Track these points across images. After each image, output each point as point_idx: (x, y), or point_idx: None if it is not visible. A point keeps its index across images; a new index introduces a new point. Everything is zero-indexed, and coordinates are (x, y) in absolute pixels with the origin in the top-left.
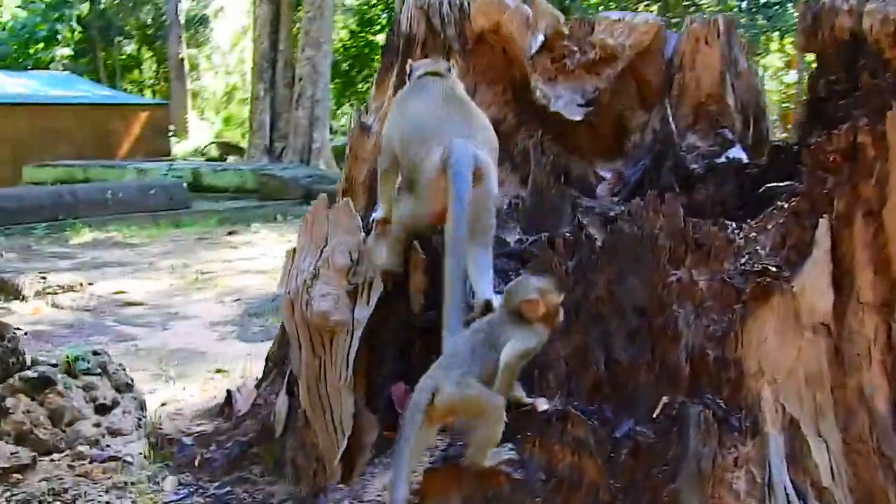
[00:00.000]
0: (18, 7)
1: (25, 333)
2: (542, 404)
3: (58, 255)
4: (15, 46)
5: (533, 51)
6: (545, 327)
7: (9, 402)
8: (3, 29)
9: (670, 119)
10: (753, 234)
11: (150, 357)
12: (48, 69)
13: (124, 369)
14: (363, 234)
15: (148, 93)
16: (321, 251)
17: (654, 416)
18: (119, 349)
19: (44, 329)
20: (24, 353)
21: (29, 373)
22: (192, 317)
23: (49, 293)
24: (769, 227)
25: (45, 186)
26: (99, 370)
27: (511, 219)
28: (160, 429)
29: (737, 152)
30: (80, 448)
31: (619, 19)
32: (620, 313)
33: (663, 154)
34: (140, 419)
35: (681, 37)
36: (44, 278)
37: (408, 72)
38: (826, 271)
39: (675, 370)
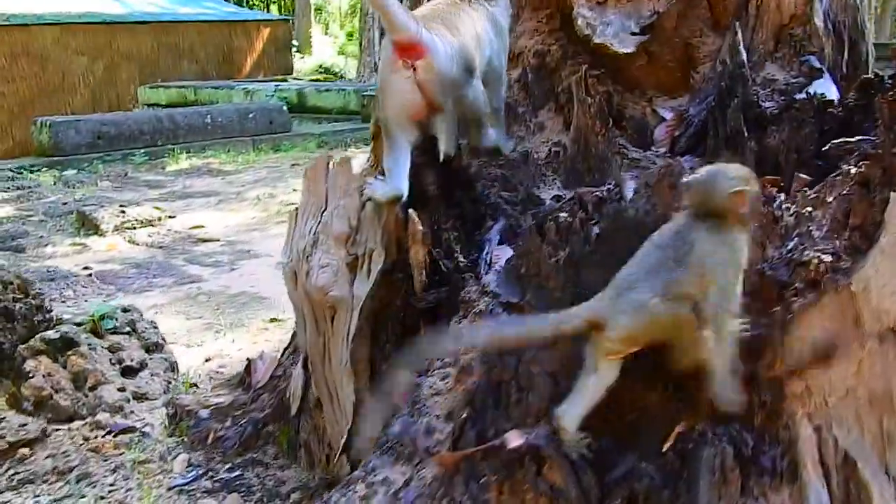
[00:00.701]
0: None
1: (90, 274)
2: (514, 439)
3: (150, 184)
4: None
5: None
6: (743, 231)
7: (28, 364)
8: None
9: (741, 46)
10: (808, 208)
11: (210, 303)
12: None
13: (155, 327)
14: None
15: (274, 8)
16: (322, 215)
17: (664, 449)
18: (181, 293)
19: (113, 268)
20: (51, 311)
21: (51, 333)
22: (264, 255)
23: (127, 228)
24: (830, 199)
25: (145, 111)
26: (128, 329)
27: (550, 170)
28: (178, 399)
29: (824, 85)
30: (100, 416)
31: None
32: None
33: (731, 90)
34: (169, 382)
35: None
36: (123, 212)
37: None
38: None
39: (694, 390)
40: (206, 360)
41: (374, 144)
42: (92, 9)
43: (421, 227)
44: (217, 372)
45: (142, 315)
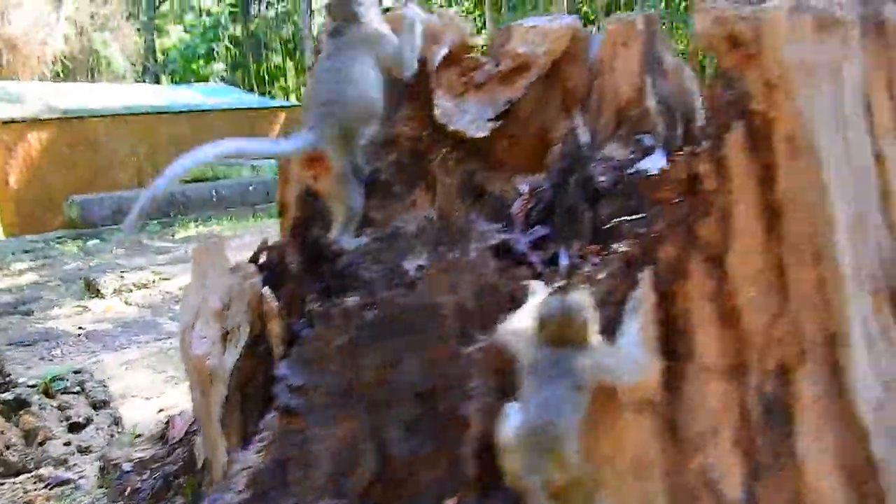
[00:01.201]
0: (184, 31)
1: (79, 334)
2: None
3: (158, 251)
4: (181, 63)
5: (434, 65)
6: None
7: None
8: (172, 49)
9: (579, 129)
10: (582, 286)
11: (177, 357)
12: (207, 81)
13: (104, 386)
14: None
15: (293, 97)
16: (203, 290)
17: None
18: (155, 348)
19: (104, 327)
20: (10, 374)
21: (6, 395)
22: None
23: (125, 291)
24: (599, 277)
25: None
26: (77, 388)
27: (419, 243)
28: (108, 453)
29: (653, 160)
30: (43, 470)
31: (534, 26)
32: (398, 398)
33: (571, 168)
34: (112, 435)
35: (601, 40)
36: (122, 276)
37: None
38: (649, 335)
39: (463, 465)
40: (160, 411)
41: (281, 220)
42: (138, 101)
43: (275, 303)
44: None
45: (92, 376)
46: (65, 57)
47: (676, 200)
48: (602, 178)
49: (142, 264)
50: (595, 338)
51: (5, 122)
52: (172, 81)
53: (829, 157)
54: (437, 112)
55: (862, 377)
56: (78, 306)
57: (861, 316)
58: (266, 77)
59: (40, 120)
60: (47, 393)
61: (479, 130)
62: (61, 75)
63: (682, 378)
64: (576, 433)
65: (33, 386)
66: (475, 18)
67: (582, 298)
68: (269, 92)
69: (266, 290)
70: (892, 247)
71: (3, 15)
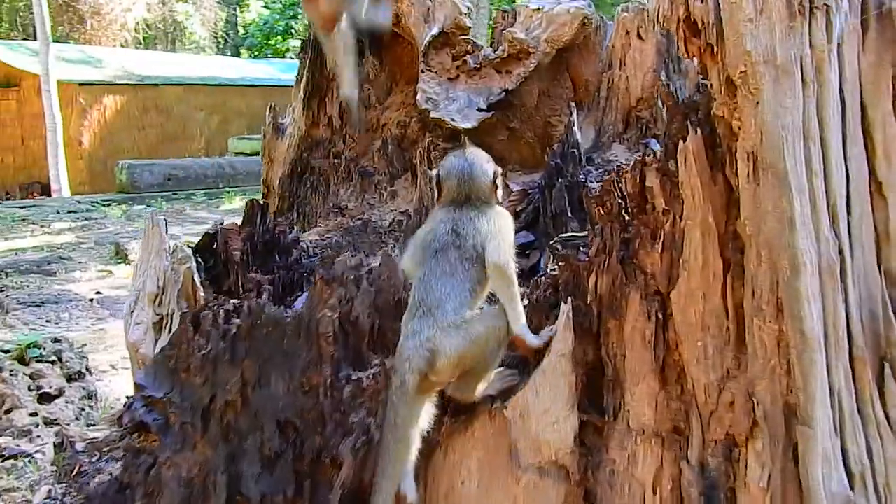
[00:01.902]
0: (263, 6)
1: (91, 300)
2: None
3: (199, 220)
4: (259, 39)
5: (422, 45)
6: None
7: None
8: (252, 25)
9: (575, 126)
10: None
11: None
12: (284, 58)
13: (83, 357)
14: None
15: None
16: (145, 272)
17: None
18: None
19: (119, 294)
20: None
21: None
22: None
23: None
24: (525, 302)
25: (211, 158)
26: (53, 358)
27: (392, 238)
28: (66, 430)
29: None
30: (1, 439)
31: (538, 8)
32: (259, 426)
33: (560, 169)
34: (83, 409)
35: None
36: None
37: None
38: (564, 384)
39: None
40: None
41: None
42: (211, 73)
43: (201, 293)
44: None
45: (71, 346)
46: (147, 25)
47: (617, 219)
48: (594, 184)
49: (176, 233)
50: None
51: (82, 84)
52: (251, 56)
53: (800, 181)
54: (419, 97)
55: (824, 464)
56: (102, 270)
57: (829, 387)
58: None
59: (116, 84)
60: (21, 360)
61: (467, 120)
62: (142, 43)
63: (606, 438)
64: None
65: (7, 352)
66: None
67: (485, 157)
68: None
69: (197, 278)
70: (884, 300)
71: None
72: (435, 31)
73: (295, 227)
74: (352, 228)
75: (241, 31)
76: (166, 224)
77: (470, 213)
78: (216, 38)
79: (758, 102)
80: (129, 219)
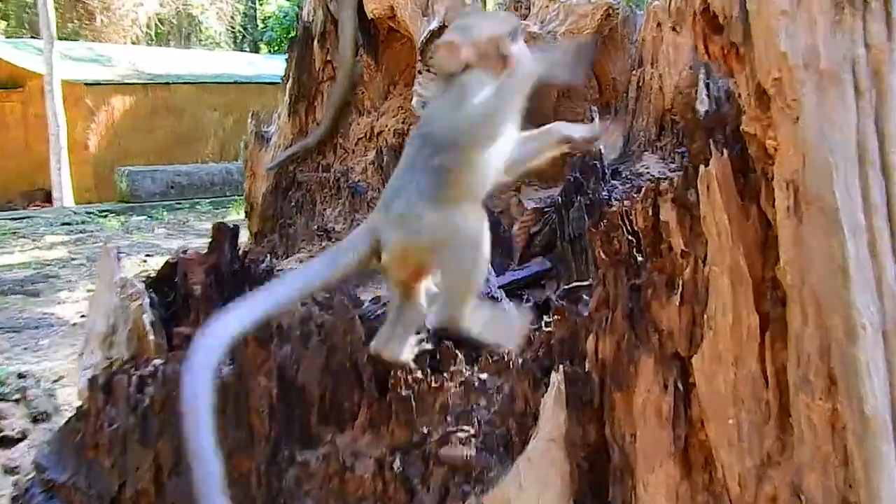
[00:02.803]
0: None
1: (75, 324)
2: None
3: (202, 233)
4: (279, 33)
5: (420, 42)
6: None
7: None
8: (272, 18)
9: (596, 132)
10: (482, 377)
11: None
12: None
13: (52, 395)
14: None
15: None
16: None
17: None
18: None
19: None
20: None
21: None
22: None
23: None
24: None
25: (218, 164)
26: (17, 396)
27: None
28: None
29: None
30: None
31: None
32: None
33: (580, 185)
34: None
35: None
36: (145, 261)
37: None
38: (555, 475)
39: None
40: None
41: (249, 221)
42: (225, 70)
43: (152, 337)
44: None
45: (38, 381)
46: (160, 21)
47: (625, 262)
48: (618, 202)
49: (176, 248)
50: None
51: (89, 84)
52: (271, 51)
53: (855, 218)
54: (414, 102)
55: None
56: (92, 290)
57: None
58: None
59: (125, 83)
60: None
61: None
62: (154, 39)
63: None
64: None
65: None
66: None
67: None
68: None
69: (147, 318)
70: None
71: None
72: (434, 25)
73: (272, 254)
74: None
75: (261, 24)
76: (118, 254)
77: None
78: (233, 32)
79: (797, 118)
80: (127, 231)
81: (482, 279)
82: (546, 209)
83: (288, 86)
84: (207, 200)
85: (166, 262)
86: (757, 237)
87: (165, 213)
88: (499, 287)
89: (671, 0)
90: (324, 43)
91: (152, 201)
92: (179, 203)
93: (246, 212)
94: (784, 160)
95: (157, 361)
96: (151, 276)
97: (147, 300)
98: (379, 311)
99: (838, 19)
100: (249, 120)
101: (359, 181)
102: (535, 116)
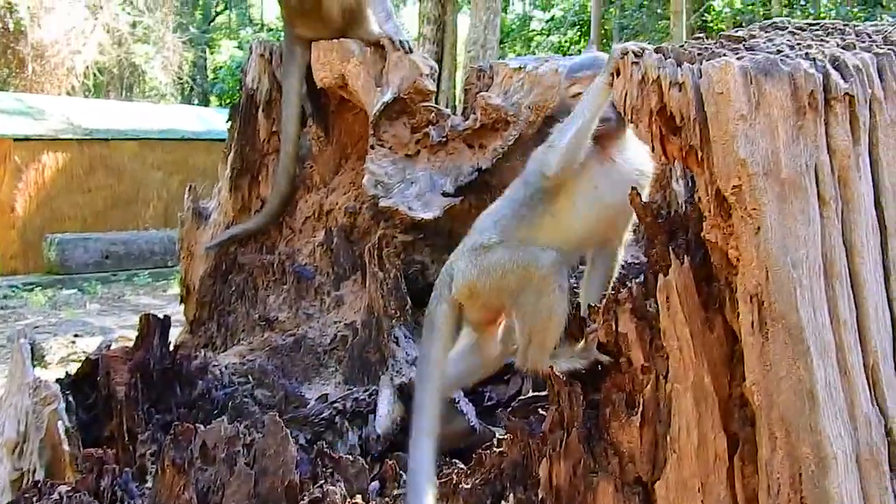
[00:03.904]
0: (236, 47)
1: None
2: None
3: (138, 309)
4: (231, 84)
5: (373, 114)
6: None
7: None
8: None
9: None
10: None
11: None
12: None
13: None
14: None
15: None
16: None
17: None
18: None
19: None
20: None
21: None
22: None
23: (72, 360)
24: (467, 485)
25: (159, 231)
26: None
27: (334, 359)
28: None
29: None
30: None
31: (520, 68)
32: None
33: None
34: None
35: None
36: (73, 342)
37: None
38: None
39: None
40: None
41: (185, 306)
42: (171, 125)
43: (69, 448)
44: None
45: None
46: (99, 70)
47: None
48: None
49: (111, 326)
50: None
51: (18, 140)
52: (222, 104)
53: (822, 338)
54: (366, 181)
55: None
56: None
57: None
58: None
59: (59, 139)
60: None
61: (428, 209)
62: (93, 91)
63: None
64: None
65: None
66: (579, 51)
67: None
68: None
69: (61, 427)
70: None
71: (33, 19)
72: (388, 97)
73: (210, 345)
74: (281, 347)
75: (211, 75)
76: (32, 350)
77: None
78: (181, 83)
79: (759, 228)
80: (54, 307)
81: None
82: None
83: (230, 158)
84: (147, 272)
85: (86, 360)
86: (722, 351)
87: (99, 287)
88: None
89: (625, 96)
90: (269, 112)
91: (84, 273)
92: (115, 275)
93: (181, 296)
94: (747, 272)
95: (64, 489)
96: (71, 373)
97: (62, 405)
98: (325, 412)
99: (800, 124)
100: (186, 195)
101: (305, 265)
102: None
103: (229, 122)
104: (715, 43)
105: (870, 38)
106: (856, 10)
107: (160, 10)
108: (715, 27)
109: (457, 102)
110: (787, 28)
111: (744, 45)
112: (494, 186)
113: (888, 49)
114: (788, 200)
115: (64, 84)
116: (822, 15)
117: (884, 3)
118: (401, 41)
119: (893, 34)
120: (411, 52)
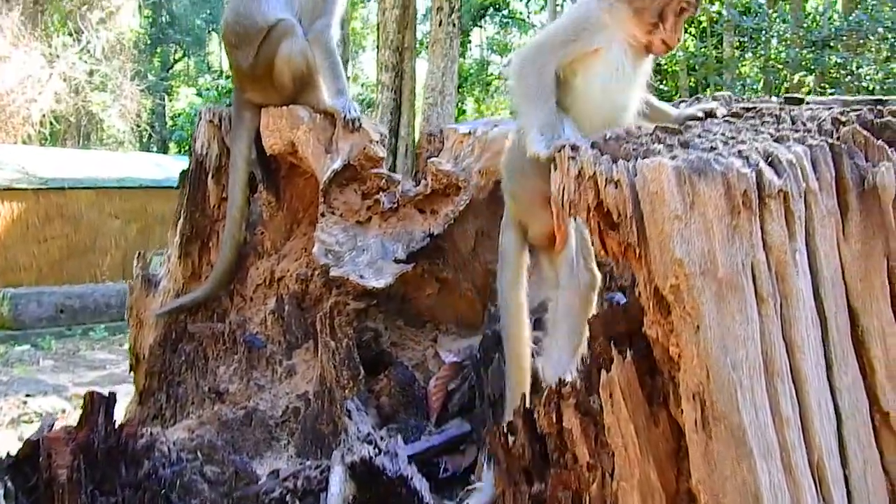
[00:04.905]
0: (195, 94)
1: None
2: None
3: (93, 365)
4: (190, 132)
5: (323, 181)
6: None
7: None
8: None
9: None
10: None
11: None
12: None
13: None
14: None
15: None
16: None
17: None
18: None
19: None
20: None
21: None
22: None
23: (24, 422)
24: None
25: (116, 283)
26: None
27: (286, 431)
28: None
29: None
30: None
31: (469, 133)
32: None
33: (497, 339)
34: None
35: None
36: (25, 402)
37: None
38: None
39: None
40: None
41: (135, 375)
42: (129, 173)
43: None
44: None
45: None
46: (55, 119)
47: (527, 470)
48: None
49: (65, 383)
50: None
51: None
52: (181, 151)
53: (765, 439)
54: (316, 249)
55: None
56: None
57: None
58: None
59: (13, 189)
60: None
61: (379, 276)
62: (49, 139)
63: None
64: None
65: None
66: None
67: None
68: None
69: None
70: None
71: None
72: (338, 164)
73: (158, 417)
74: (231, 421)
75: (170, 122)
76: None
77: None
78: (139, 131)
79: (698, 327)
80: (6, 364)
81: None
82: (464, 363)
83: (179, 224)
84: (103, 326)
85: (27, 442)
86: (668, 446)
87: (53, 342)
88: (414, 454)
89: (562, 190)
90: (219, 178)
91: (38, 328)
92: (70, 329)
93: (131, 365)
94: (689, 370)
95: None
96: (11, 454)
97: (1, 490)
98: (276, 490)
99: (735, 223)
100: (135, 262)
101: (257, 333)
102: (451, 257)
103: (178, 188)
104: (651, 136)
105: (804, 126)
106: (805, 51)
107: (118, 58)
108: (669, 69)
109: (417, 149)
110: (723, 116)
111: (678, 139)
112: (447, 251)
113: (821, 140)
114: (726, 300)
115: (20, 132)
116: (772, 57)
117: (832, 45)
118: (350, 119)
119: (827, 121)
120: (359, 130)
